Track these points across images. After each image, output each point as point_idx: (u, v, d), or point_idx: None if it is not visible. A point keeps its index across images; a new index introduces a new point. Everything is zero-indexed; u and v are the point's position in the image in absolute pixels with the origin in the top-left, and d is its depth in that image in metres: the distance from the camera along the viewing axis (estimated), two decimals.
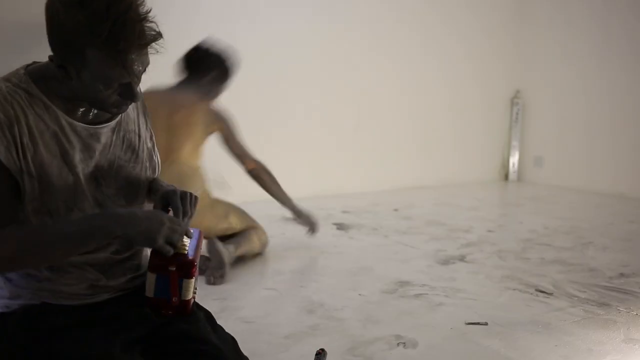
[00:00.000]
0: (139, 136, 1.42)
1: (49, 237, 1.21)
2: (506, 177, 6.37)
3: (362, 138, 5.33)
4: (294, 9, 4.85)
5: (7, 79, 1.27)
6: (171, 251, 1.26)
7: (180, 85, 3.14)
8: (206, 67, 3.14)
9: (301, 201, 3.62)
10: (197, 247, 1.35)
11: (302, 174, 4.89)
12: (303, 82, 4.94)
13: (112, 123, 1.36)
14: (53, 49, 1.22)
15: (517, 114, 6.27)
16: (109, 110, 1.29)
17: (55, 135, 1.27)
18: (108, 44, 1.15)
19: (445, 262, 3.31)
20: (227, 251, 2.96)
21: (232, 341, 1.42)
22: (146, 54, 1.22)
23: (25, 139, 1.22)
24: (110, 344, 1.23)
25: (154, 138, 1.50)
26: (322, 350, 1.73)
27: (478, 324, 2.42)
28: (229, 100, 3.63)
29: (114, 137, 1.36)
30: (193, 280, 1.31)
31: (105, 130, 1.34)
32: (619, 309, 2.61)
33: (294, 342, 2.22)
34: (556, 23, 5.94)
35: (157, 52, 1.22)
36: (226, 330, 1.45)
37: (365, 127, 5.36)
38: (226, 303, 2.58)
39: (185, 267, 1.29)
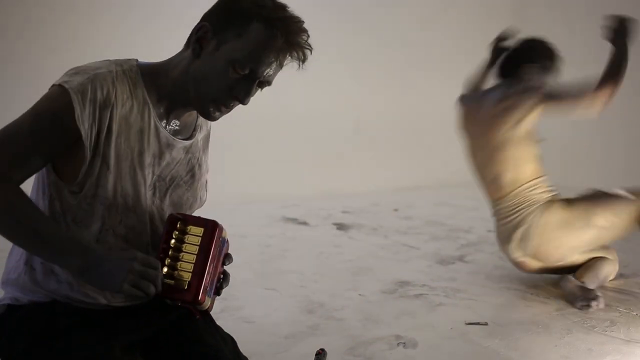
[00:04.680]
0: (200, 165, 1.44)
1: (29, 223, 1.19)
2: None
3: (362, 138, 5.33)
4: (296, 8, 4.85)
5: (119, 63, 1.28)
6: (141, 294, 1.17)
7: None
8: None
9: (302, 201, 3.65)
10: (208, 262, 1.25)
11: (302, 174, 4.89)
12: (303, 82, 4.94)
13: (187, 143, 1.37)
14: (208, 19, 1.26)
15: None
16: (207, 105, 1.28)
17: (141, 132, 1.28)
18: (280, 23, 1.24)
19: (445, 262, 3.31)
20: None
21: (232, 341, 1.42)
22: (279, 69, 1.28)
23: (115, 126, 1.23)
24: (111, 345, 1.23)
25: (209, 174, 1.51)
26: (322, 350, 1.73)
27: (478, 324, 2.42)
28: None
29: (183, 157, 1.37)
30: (205, 303, 1.28)
31: (180, 146, 1.35)
32: (619, 309, 2.61)
33: (294, 342, 2.22)
34: (555, 23, 5.94)
35: (301, 65, 1.29)
36: (226, 331, 1.45)
37: (366, 127, 5.37)
38: (226, 303, 2.58)
39: (189, 303, 1.25)
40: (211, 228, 1.27)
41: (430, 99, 5.75)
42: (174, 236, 1.26)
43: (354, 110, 5.29)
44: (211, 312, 1.46)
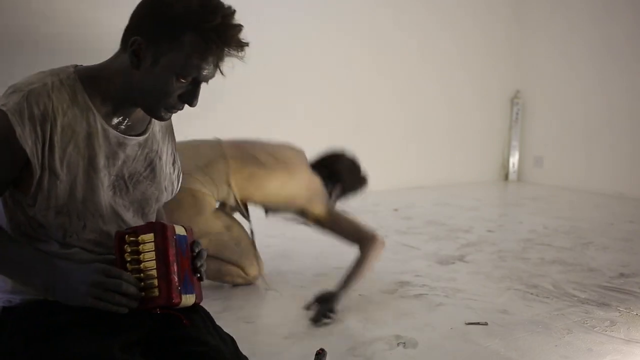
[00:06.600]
0: (160, 158, 1.45)
1: None
2: (506, 177, 6.38)
3: (362, 138, 5.33)
4: (297, 12, 4.85)
5: (56, 73, 1.29)
6: (110, 307, 1.20)
7: None
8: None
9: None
10: (170, 262, 1.26)
11: None
12: (303, 83, 4.94)
13: (141, 139, 1.38)
14: (139, 31, 1.24)
15: (517, 114, 6.28)
16: (158, 111, 1.30)
17: (88, 137, 1.29)
18: (213, 32, 1.22)
19: (445, 262, 3.31)
20: None
21: (232, 341, 1.42)
22: (220, 64, 1.27)
23: (57, 138, 1.25)
24: (110, 344, 1.23)
25: (178, 163, 1.52)
26: (322, 350, 1.73)
27: (478, 324, 2.42)
28: (227, 101, 3.62)
29: (139, 152, 1.39)
30: (184, 301, 1.29)
31: (133, 143, 1.37)
32: (619, 309, 2.61)
33: (294, 342, 2.22)
34: (555, 23, 5.94)
35: (241, 59, 1.28)
36: (226, 331, 1.45)
37: (366, 127, 5.36)
38: (226, 303, 2.58)
39: (165, 307, 1.27)
40: (160, 230, 1.27)
41: (431, 99, 5.75)
42: (127, 250, 1.27)
43: (355, 109, 5.29)
44: (211, 313, 1.46)
